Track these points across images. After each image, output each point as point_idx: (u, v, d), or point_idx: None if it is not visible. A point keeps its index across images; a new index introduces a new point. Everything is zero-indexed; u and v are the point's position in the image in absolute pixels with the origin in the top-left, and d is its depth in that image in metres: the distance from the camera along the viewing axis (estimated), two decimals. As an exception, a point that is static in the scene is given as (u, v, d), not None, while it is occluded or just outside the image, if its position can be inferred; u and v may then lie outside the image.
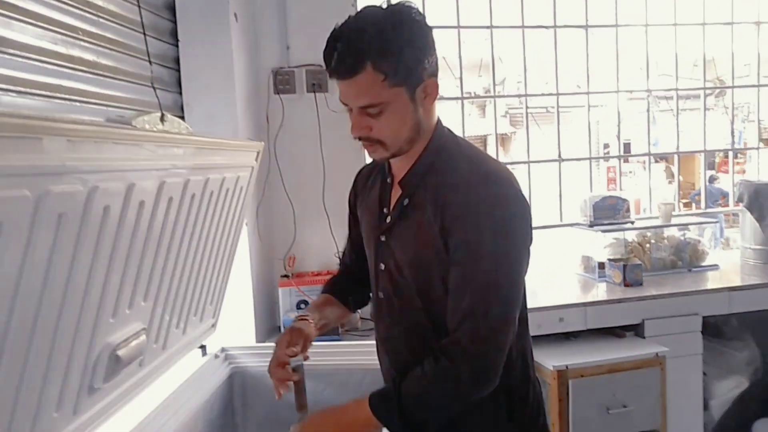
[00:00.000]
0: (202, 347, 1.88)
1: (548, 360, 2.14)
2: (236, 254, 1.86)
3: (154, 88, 1.39)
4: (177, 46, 2.08)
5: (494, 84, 3.06)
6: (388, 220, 1.15)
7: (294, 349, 1.19)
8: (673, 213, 2.98)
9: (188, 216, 1.37)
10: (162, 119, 1.05)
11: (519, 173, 3.07)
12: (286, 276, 2.37)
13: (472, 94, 10.24)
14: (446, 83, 3.03)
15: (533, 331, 2.27)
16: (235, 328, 2.19)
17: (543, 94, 3.29)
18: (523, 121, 3.18)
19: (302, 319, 1.28)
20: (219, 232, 1.65)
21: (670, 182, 10.53)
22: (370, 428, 1.07)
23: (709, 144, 3.42)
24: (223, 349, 1.94)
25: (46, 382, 0.94)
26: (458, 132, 2.93)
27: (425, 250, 1.07)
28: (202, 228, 1.50)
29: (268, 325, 2.37)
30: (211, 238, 1.59)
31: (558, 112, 3.12)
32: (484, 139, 10.97)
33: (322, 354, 1.81)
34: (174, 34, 2.07)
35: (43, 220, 0.79)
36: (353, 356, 1.85)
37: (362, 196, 1.27)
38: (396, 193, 1.15)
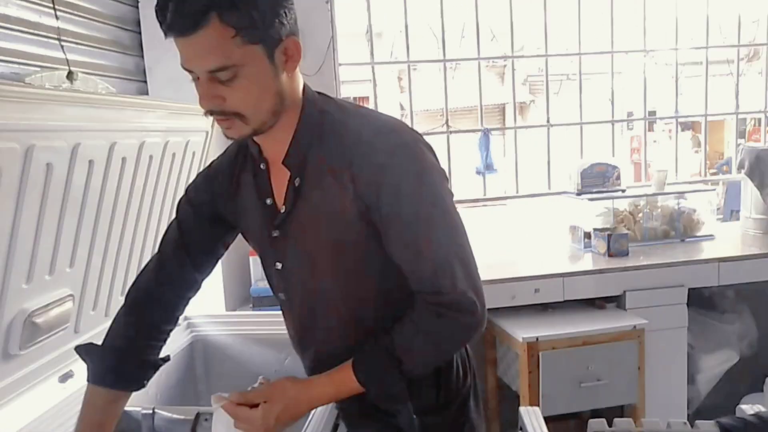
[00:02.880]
0: (162, 315, 1.87)
1: (519, 331, 2.08)
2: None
3: (60, 43, 1.31)
4: (137, 7, 2.02)
5: (512, 42, 2.91)
6: (283, 209, 0.99)
7: None
8: (668, 182, 2.85)
9: (120, 180, 1.33)
10: (70, 77, 0.99)
11: (537, 137, 3.02)
12: (257, 245, 2.34)
13: (490, 62, 9.99)
14: (468, 50, 2.93)
15: (507, 302, 2.25)
16: (205, 297, 2.18)
17: (564, 54, 3.12)
18: (543, 89, 3.05)
19: None
20: (169, 200, 1.61)
21: (696, 152, 10.15)
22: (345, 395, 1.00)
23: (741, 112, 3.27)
24: (185, 318, 1.93)
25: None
26: (475, 98, 2.84)
27: (336, 227, 0.96)
28: (143, 193, 1.46)
29: (239, 293, 2.36)
30: (157, 206, 1.55)
31: (557, 77, 2.99)
32: (502, 108, 10.74)
33: (284, 323, 1.79)
34: (134, -6, 2.01)
35: None
36: (312, 325, 1.81)
37: (229, 195, 1.08)
38: (281, 177, 0.99)
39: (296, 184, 0.97)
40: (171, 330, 1.19)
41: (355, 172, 0.92)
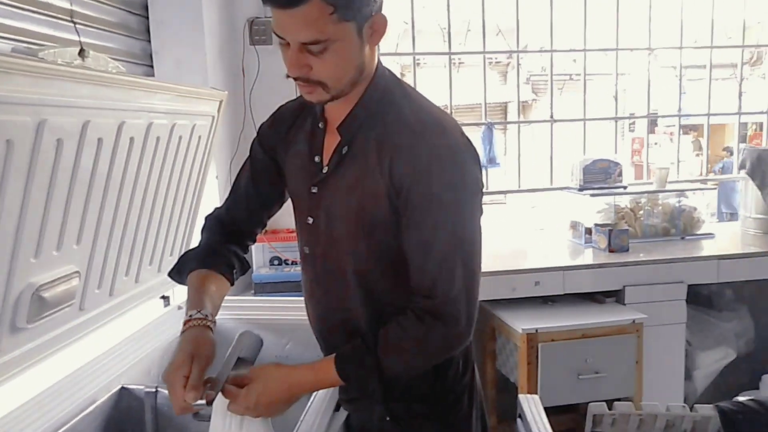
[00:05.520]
0: (165, 298, 1.88)
1: (519, 323, 2.10)
2: (202, 208, 1.83)
3: (74, 23, 1.32)
4: (145, -8, 2.03)
5: (518, 37, 2.91)
6: (325, 170, 1.04)
7: (199, 401, 0.93)
8: (670, 180, 2.86)
9: (128, 160, 1.34)
10: (81, 54, 0.99)
11: (538, 135, 3.01)
12: (259, 232, 2.35)
13: (494, 59, 9.96)
14: (472, 46, 2.94)
15: (507, 294, 2.26)
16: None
17: (570, 50, 3.12)
18: (545, 89, 3.06)
19: (197, 325, 1.05)
20: (174, 183, 1.61)
21: (697, 155, 10.15)
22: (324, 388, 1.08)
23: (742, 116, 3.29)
24: (188, 301, 1.94)
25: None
26: (477, 95, 2.84)
27: (366, 203, 0.99)
28: (149, 177, 1.46)
29: (241, 279, 2.36)
30: (162, 189, 1.56)
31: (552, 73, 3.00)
32: (504, 107, 10.74)
33: (285, 309, 1.80)
34: (142, -21, 2.02)
35: None
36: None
37: (285, 141, 1.14)
38: (332, 140, 1.04)
39: (343, 152, 1.01)
40: (248, 246, 1.28)
41: (396, 157, 0.95)
